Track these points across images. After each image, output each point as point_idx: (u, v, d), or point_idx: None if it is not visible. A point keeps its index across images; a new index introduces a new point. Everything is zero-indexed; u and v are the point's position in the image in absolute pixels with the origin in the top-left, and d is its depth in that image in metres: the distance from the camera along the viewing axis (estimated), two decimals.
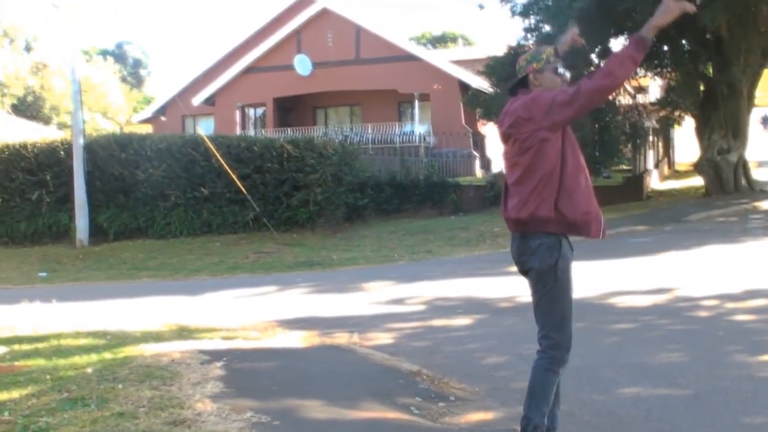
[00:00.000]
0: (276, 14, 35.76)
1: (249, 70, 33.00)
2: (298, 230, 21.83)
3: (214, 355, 6.29)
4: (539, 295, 4.16)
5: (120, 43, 75.13)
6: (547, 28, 22.68)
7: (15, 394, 5.29)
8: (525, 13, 23.84)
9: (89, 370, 5.86)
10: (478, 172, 29.40)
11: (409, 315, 9.65)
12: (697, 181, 26.36)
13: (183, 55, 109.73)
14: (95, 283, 16.80)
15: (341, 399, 5.34)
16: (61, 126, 47.71)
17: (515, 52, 24.22)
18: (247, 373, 5.96)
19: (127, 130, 43.25)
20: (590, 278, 11.04)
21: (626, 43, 3.92)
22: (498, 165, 28.90)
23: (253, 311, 10.45)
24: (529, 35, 24.02)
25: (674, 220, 18.61)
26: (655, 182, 31.13)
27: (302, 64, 31.98)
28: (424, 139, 30.34)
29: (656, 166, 33.95)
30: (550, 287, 4.10)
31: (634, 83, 26.53)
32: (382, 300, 10.85)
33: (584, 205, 4.10)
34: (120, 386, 5.32)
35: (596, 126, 23.25)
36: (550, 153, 4.06)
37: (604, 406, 5.47)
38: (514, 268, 4.43)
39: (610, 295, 9.84)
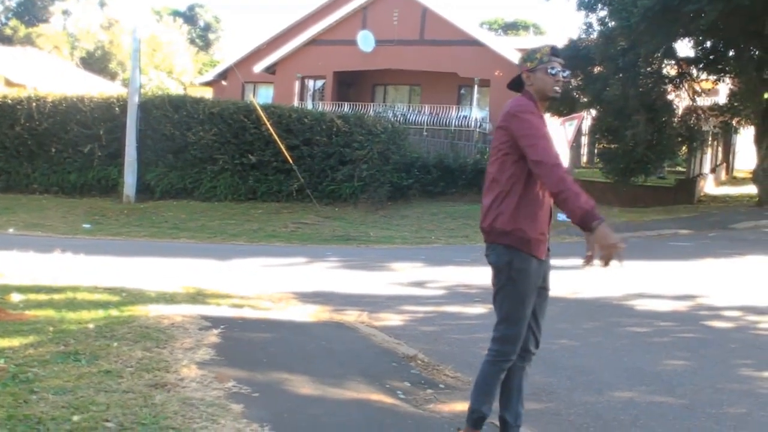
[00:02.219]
0: None
1: (312, 41, 32.99)
2: (340, 204, 21.88)
3: (215, 322, 6.35)
4: (495, 288, 4.16)
5: (192, 6, 76.01)
6: (612, 23, 22.36)
7: (16, 342, 5.40)
8: (590, 6, 23.59)
9: (91, 325, 5.96)
10: None
11: (425, 299, 9.64)
12: (754, 189, 25.84)
13: (251, 22, 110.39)
14: (135, 239, 17.10)
15: (329, 377, 5.35)
16: (126, 82, 48.39)
17: (575, 45, 24.01)
18: (242, 342, 6.00)
19: (189, 91, 43.70)
20: (618, 278, 10.91)
21: (590, 206, 3.70)
22: None
23: (276, 281, 10.52)
24: (590, 29, 23.81)
25: (720, 227, 18.32)
26: (709, 186, 30.63)
27: (365, 41, 31.86)
28: (480, 124, 30.09)
29: (713, 170, 33.37)
30: (503, 284, 4.08)
31: (696, 86, 26.07)
32: (404, 281, 10.84)
33: (543, 225, 4.07)
34: (115, 344, 5.41)
35: (651, 126, 22.93)
36: (512, 168, 4.00)
37: (593, 408, 5.42)
38: None
39: (632, 297, 9.72)
